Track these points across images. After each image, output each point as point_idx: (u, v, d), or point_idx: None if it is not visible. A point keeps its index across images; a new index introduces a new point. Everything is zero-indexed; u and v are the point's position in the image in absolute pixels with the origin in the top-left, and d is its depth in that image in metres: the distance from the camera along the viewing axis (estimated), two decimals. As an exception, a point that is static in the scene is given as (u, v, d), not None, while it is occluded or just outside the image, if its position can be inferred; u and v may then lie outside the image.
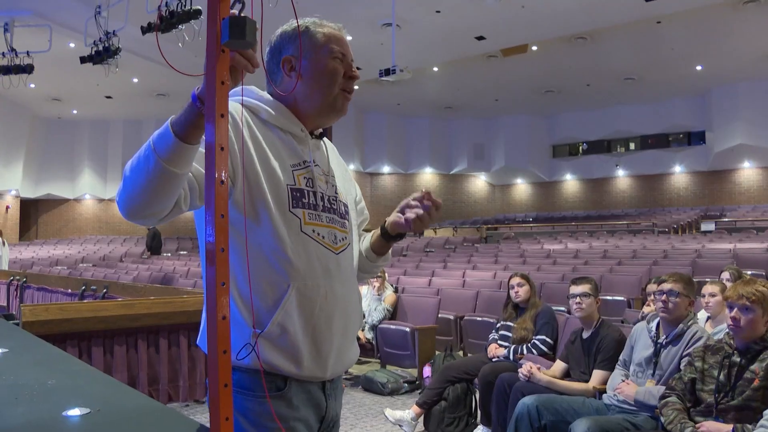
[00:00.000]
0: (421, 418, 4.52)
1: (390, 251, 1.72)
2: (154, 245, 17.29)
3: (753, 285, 2.66)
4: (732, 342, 2.69)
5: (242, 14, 1.01)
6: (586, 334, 3.79)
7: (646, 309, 4.74)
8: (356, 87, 1.62)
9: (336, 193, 1.54)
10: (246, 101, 1.46)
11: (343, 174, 1.63)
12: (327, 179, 1.52)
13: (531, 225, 23.01)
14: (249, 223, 1.36)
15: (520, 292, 4.57)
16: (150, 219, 1.28)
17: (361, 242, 1.70)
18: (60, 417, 1.14)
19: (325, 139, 1.60)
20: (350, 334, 1.51)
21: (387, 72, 12.84)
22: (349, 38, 1.55)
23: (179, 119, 1.16)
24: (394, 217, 1.60)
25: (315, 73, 1.47)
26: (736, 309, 2.63)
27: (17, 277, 8.23)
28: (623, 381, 3.23)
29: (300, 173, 1.45)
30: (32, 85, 18.56)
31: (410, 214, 1.54)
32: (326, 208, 1.48)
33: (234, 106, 1.41)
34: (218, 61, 0.97)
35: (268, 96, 1.49)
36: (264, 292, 1.37)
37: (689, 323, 3.12)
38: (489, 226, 22.91)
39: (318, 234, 1.44)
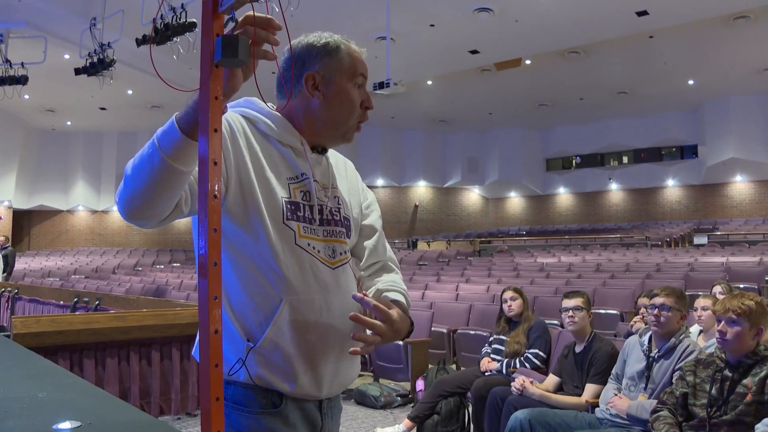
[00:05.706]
0: (413, 431, 4.50)
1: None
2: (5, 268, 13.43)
3: (740, 298, 2.65)
4: (723, 356, 2.69)
5: (235, 32, 1.02)
6: (578, 348, 3.79)
7: (637, 322, 4.74)
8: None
9: (338, 205, 1.49)
10: (244, 112, 1.43)
11: (351, 188, 1.59)
12: (327, 192, 1.47)
13: (524, 238, 23.06)
14: (243, 234, 1.34)
15: (513, 306, 4.57)
16: (150, 220, 1.24)
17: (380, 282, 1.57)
18: (50, 430, 1.13)
19: (331, 152, 1.55)
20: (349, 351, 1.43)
21: (381, 85, 12.88)
22: None
23: (185, 115, 1.13)
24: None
25: (336, 98, 1.42)
26: (723, 322, 2.63)
27: (9, 289, 8.19)
28: (616, 395, 3.23)
29: (296, 186, 1.42)
30: (26, 96, 18.55)
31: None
32: (324, 221, 1.44)
33: (232, 115, 1.39)
34: (212, 77, 0.98)
35: (268, 108, 1.44)
36: (257, 305, 1.33)
37: (681, 337, 3.12)
38: (482, 239, 22.92)
39: (313, 248, 1.39)
